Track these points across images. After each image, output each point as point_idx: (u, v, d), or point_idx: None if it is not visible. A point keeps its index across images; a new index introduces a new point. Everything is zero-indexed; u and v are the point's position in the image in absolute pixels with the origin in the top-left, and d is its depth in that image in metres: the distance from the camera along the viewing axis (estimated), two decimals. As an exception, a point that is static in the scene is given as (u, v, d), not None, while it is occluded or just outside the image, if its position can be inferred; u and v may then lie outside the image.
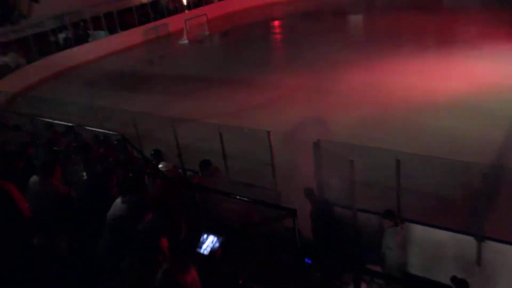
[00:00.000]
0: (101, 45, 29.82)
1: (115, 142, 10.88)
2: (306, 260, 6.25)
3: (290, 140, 12.93)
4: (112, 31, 31.22)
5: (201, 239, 4.65)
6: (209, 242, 4.61)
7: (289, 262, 5.85)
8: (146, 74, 25.01)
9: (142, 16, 33.02)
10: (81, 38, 29.78)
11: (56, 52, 27.97)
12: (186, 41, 30.69)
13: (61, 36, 29.23)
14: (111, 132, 11.02)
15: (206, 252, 4.52)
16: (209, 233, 4.68)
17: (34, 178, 7.09)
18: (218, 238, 4.61)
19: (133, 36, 31.55)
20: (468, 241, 8.00)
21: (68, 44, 29.06)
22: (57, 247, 4.92)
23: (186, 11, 35.33)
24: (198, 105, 17.93)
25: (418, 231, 8.51)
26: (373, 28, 27.91)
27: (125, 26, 31.77)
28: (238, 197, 6.58)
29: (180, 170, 11.03)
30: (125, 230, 5.52)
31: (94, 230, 5.85)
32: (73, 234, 5.73)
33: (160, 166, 9.27)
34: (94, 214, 6.10)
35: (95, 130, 11.59)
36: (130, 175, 6.77)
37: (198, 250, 4.59)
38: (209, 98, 18.77)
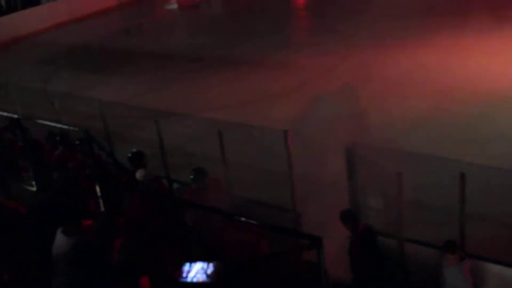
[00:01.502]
0: (59, 8, 30.08)
1: (77, 142, 11.01)
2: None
3: (314, 143, 13.00)
4: (74, -11, 31.49)
5: (183, 268, 4.77)
6: (197, 269, 4.73)
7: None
8: (120, 49, 25.16)
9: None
10: (31, -1, 30.05)
11: (-4, 18, 28.25)
12: (175, 6, 30.91)
13: (4, -5, 29.50)
14: (71, 128, 11.13)
15: (196, 280, 4.64)
16: (193, 261, 4.82)
17: None
18: (209, 264, 4.73)
19: (103, -3, 31.82)
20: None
21: (13, 6, 29.32)
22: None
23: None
24: (190, 94, 18.05)
25: (492, 271, 8.51)
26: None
27: (93, -17, 32.03)
28: (243, 219, 6.65)
29: (164, 181, 11.14)
30: (89, 264, 5.58)
31: (46, 260, 5.93)
32: (18, 265, 5.84)
33: (137, 174, 9.39)
34: (47, 239, 6.19)
35: (49, 125, 11.70)
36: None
37: (182, 280, 4.69)
38: (206, 84, 18.88)
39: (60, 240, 5.79)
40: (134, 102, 16.25)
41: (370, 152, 9.15)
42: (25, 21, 28.49)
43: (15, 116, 11.89)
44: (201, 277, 4.61)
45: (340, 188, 9.49)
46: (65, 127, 11.24)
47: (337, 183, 9.61)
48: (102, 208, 7.62)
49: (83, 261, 5.41)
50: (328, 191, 9.96)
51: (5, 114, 11.98)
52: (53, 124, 11.63)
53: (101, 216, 5.96)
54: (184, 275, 4.66)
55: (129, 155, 10.09)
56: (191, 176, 9.55)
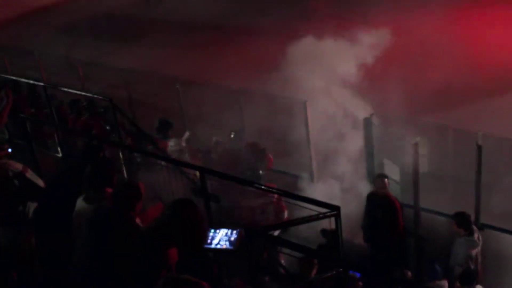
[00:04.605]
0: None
1: (101, 110, 11.10)
2: (352, 272, 6.43)
3: (334, 113, 12.98)
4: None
5: (208, 234, 4.81)
6: (221, 236, 4.78)
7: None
8: (142, 18, 25.16)
9: None
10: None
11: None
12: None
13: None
14: (95, 96, 11.22)
15: (220, 246, 4.68)
16: (218, 227, 4.86)
17: None
18: (233, 230, 4.78)
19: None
20: None
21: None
22: (24, 245, 5.04)
23: None
24: (209, 62, 18.04)
25: (506, 242, 8.52)
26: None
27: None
28: (263, 186, 6.73)
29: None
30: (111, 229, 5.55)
31: (67, 228, 5.93)
32: (44, 229, 5.90)
33: (171, 144, 9.48)
34: (69, 206, 6.20)
35: (74, 92, 11.79)
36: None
37: (206, 246, 4.74)
38: (230, 53, 18.79)
39: (81, 208, 5.81)
40: (154, 70, 16.27)
41: (388, 122, 9.14)
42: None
43: (41, 83, 11.99)
44: (224, 244, 4.65)
45: (358, 159, 9.52)
46: (89, 95, 11.33)
47: (356, 154, 9.64)
48: (126, 176, 7.73)
49: (105, 226, 5.41)
50: (347, 162, 10.00)
51: (31, 81, 12.09)
52: (77, 92, 11.73)
53: (120, 183, 5.91)
54: (209, 241, 4.70)
55: (158, 123, 10.26)
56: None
